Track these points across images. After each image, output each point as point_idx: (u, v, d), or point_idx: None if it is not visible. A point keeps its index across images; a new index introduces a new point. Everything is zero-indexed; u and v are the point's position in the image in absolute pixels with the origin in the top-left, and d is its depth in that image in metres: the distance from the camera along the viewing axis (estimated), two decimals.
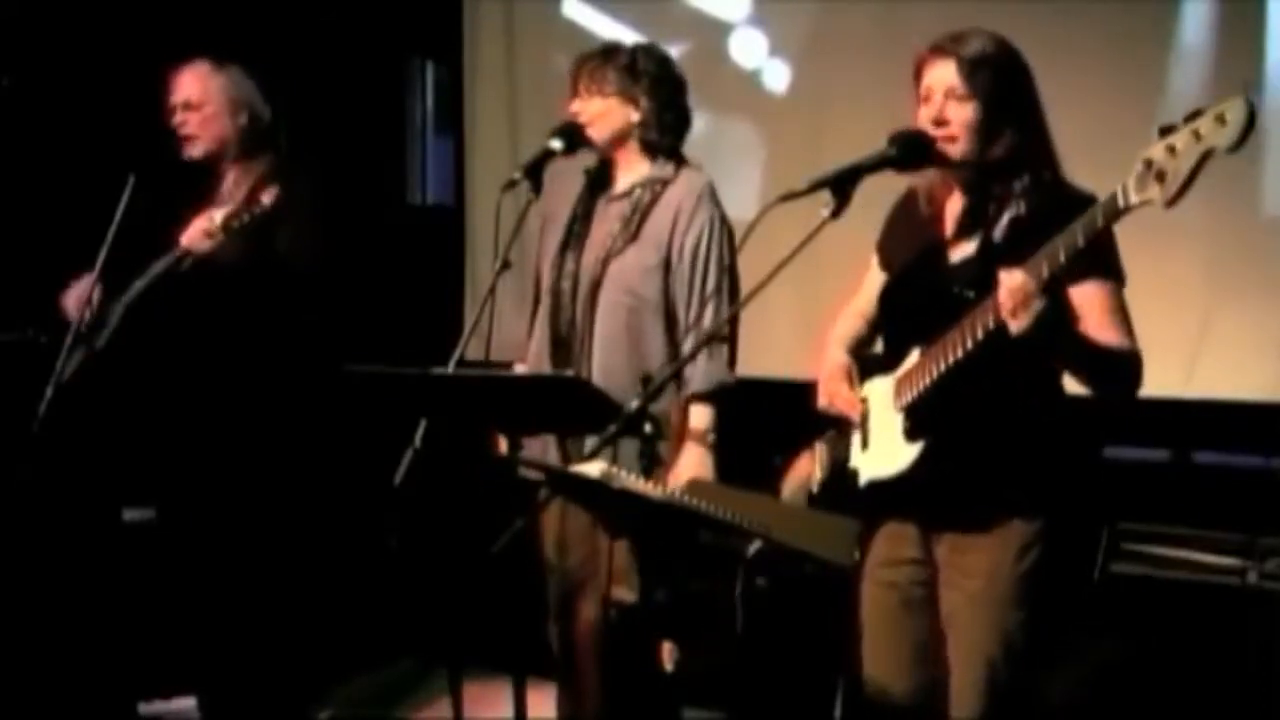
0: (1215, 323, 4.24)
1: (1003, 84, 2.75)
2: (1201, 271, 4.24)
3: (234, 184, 3.87)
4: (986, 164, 2.76)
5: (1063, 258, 2.50)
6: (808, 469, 3.13)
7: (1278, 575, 3.84)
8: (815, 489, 3.05)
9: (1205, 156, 2.36)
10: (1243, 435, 4.28)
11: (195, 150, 3.86)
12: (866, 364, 2.97)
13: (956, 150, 2.76)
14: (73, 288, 3.84)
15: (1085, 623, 3.13)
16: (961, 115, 2.74)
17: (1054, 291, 2.54)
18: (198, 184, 3.87)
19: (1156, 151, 2.39)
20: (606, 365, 3.43)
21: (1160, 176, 2.38)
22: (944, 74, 2.76)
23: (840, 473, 2.97)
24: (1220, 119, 2.34)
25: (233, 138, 3.88)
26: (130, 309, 3.78)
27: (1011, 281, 2.54)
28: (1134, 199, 2.43)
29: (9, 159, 4.69)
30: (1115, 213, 2.46)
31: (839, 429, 3.00)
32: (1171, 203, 2.40)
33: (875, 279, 3.04)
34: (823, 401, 3.00)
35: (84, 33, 4.84)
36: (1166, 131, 2.40)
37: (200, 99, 3.86)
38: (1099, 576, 3.04)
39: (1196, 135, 2.36)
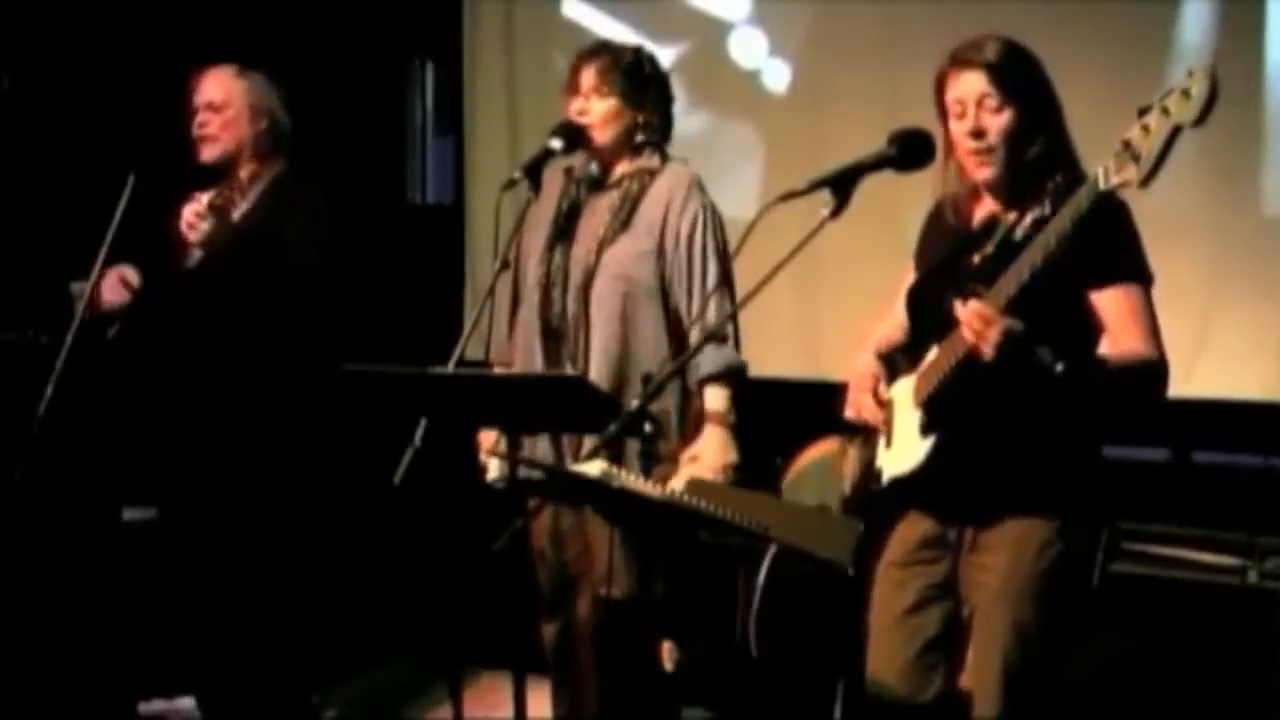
0: (1215, 323, 4.25)
1: (1031, 88, 2.75)
2: (1201, 271, 4.24)
3: (247, 181, 3.88)
4: (1023, 168, 2.75)
5: (1053, 245, 2.50)
6: (814, 454, 3.14)
7: (1278, 575, 3.84)
8: (846, 490, 3.05)
9: (1174, 133, 2.38)
10: (1243, 435, 4.29)
11: (213, 152, 3.86)
12: (898, 365, 2.97)
13: (994, 163, 2.75)
14: (106, 277, 3.82)
15: (1085, 622, 3.13)
16: (998, 124, 2.73)
17: (1038, 301, 2.53)
18: (209, 184, 3.85)
19: (1133, 132, 2.42)
20: (604, 352, 3.44)
21: (1136, 157, 2.40)
22: (974, 84, 2.74)
23: (868, 473, 2.98)
24: (1185, 94, 2.36)
25: (250, 142, 3.88)
26: (136, 309, 3.79)
27: (965, 313, 2.55)
28: (1114, 180, 2.44)
29: (9, 159, 4.69)
30: (1097, 195, 2.47)
31: (865, 436, 3.01)
32: (1145, 182, 2.41)
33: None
34: (849, 410, 3.00)
35: (84, 33, 4.84)
36: (1143, 112, 2.42)
37: (224, 101, 3.87)
38: (1098, 577, 3.04)
39: (1165, 112, 2.39)
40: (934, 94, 2.83)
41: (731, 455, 3.42)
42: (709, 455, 3.39)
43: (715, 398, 3.44)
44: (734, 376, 3.45)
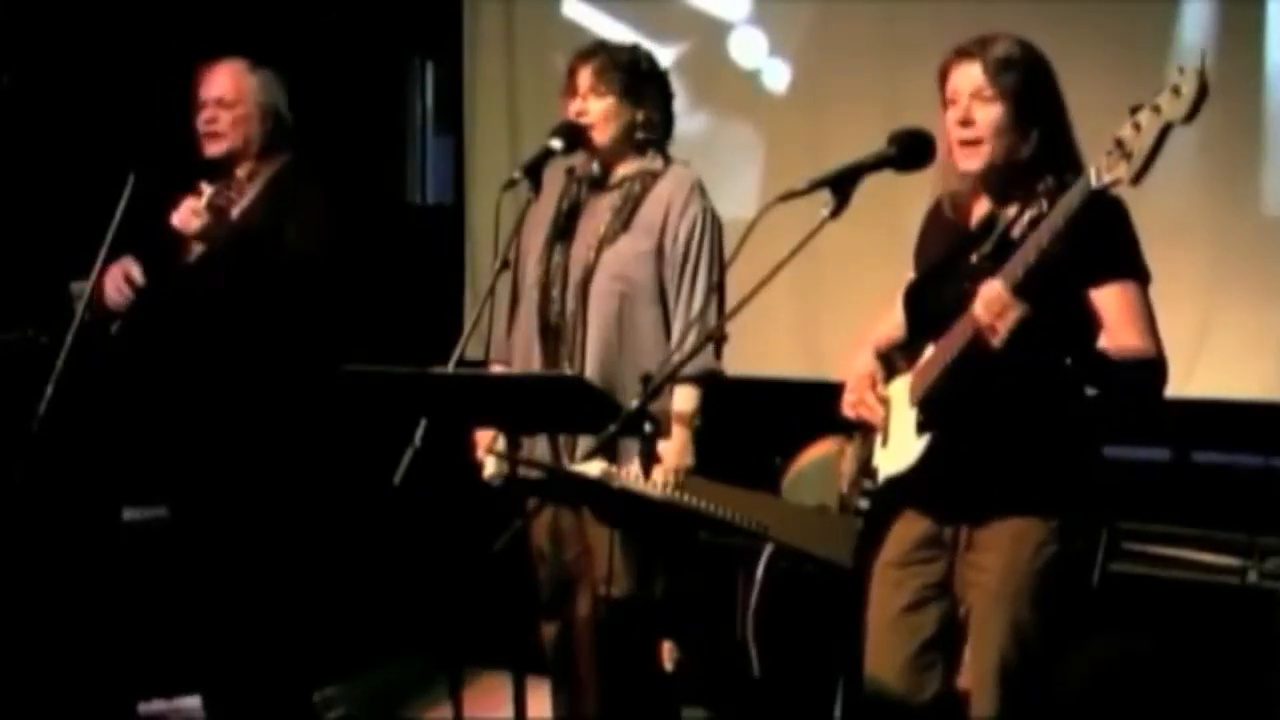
0: (1215, 322, 4.24)
1: (1028, 85, 2.75)
2: (1201, 271, 4.24)
3: (246, 180, 3.88)
4: (1013, 165, 2.76)
5: (1046, 242, 2.51)
6: (814, 454, 3.14)
7: (1278, 575, 3.84)
8: (845, 490, 3.05)
9: (1165, 130, 2.39)
10: (1243, 435, 4.28)
11: (219, 148, 3.85)
12: (896, 364, 2.97)
13: (982, 153, 2.75)
14: (110, 272, 3.80)
15: (1085, 622, 3.14)
16: (988, 116, 2.74)
17: (1036, 294, 2.54)
18: (211, 177, 3.85)
19: (1125, 130, 2.44)
20: (601, 351, 3.45)
21: (1127, 155, 2.41)
22: (970, 75, 2.76)
23: (865, 472, 2.98)
24: (1176, 91, 2.38)
25: (256, 139, 3.88)
26: (140, 305, 3.79)
27: (988, 292, 2.55)
28: (1106, 178, 2.45)
29: (9, 159, 4.69)
30: (1089, 193, 2.47)
31: (864, 435, 3.01)
32: (1136, 179, 2.42)
33: None
34: (847, 409, 3.00)
35: (84, 31, 4.84)
36: (1135, 110, 2.44)
37: (235, 98, 3.85)
38: (1098, 577, 3.04)
39: (1156, 110, 2.40)
40: (938, 85, 2.83)
41: (687, 459, 3.42)
42: (665, 456, 3.37)
43: (684, 398, 3.44)
44: (707, 380, 3.45)
